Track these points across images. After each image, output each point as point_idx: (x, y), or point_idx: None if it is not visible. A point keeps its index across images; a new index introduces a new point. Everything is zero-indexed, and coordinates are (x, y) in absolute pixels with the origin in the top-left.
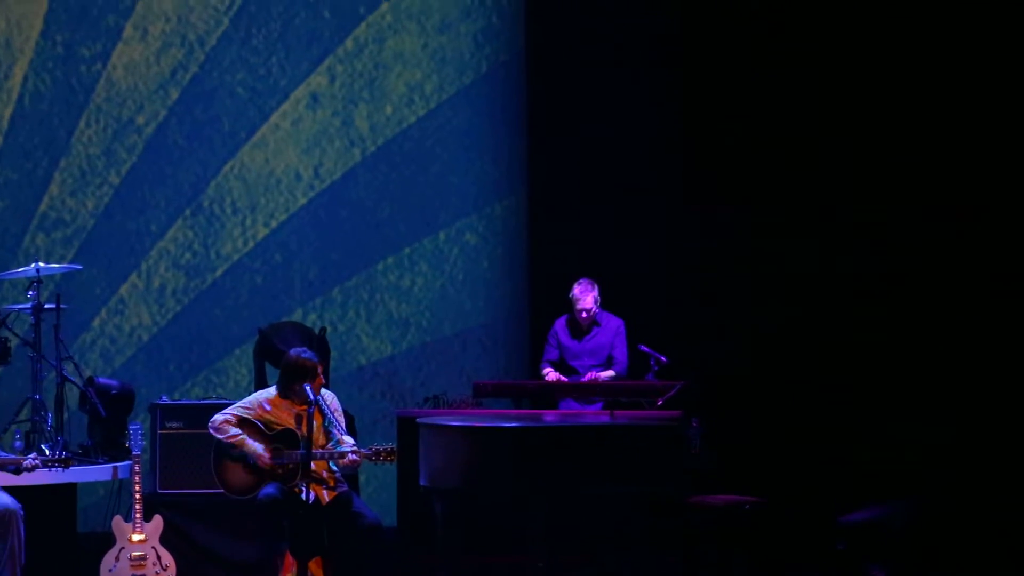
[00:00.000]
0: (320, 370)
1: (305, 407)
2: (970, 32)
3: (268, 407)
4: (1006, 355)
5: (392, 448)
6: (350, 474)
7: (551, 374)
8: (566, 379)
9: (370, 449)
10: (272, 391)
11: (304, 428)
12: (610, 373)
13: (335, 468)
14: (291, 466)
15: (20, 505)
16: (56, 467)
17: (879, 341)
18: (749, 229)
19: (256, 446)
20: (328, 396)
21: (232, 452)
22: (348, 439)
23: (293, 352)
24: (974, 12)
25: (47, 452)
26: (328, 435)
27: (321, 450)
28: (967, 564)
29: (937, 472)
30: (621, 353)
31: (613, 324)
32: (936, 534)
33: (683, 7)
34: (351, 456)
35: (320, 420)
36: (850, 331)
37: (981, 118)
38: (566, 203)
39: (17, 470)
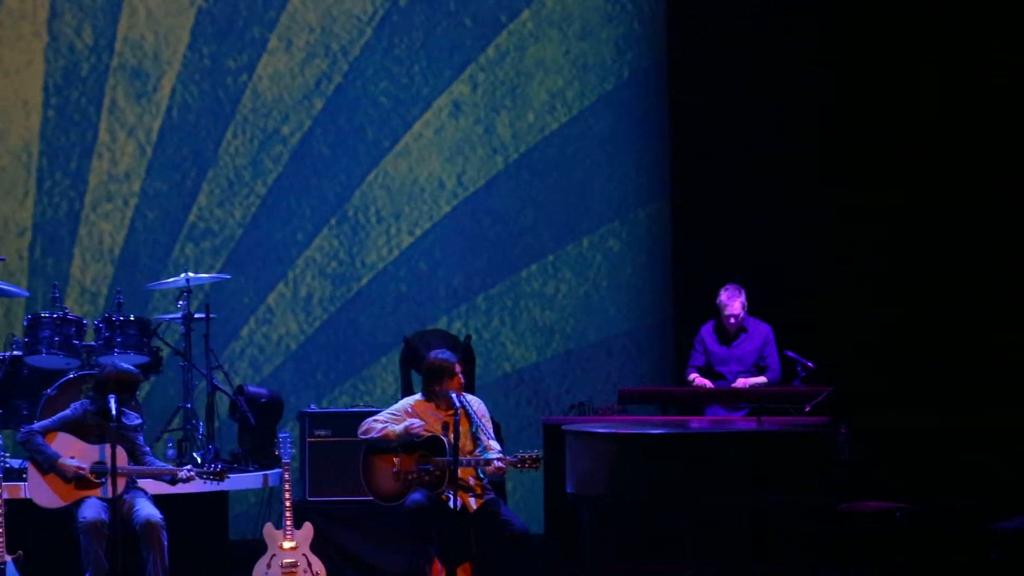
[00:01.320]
0: (458, 369)
1: (451, 413)
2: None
3: (416, 411)
4: None
5: (537, 455)
6: (496, 481)
7: (697, 379)
8: (712, 385)
9: (515, 456)
10: (418, 397)
11: (451, 435)
12: (760, 379)
13: (482, 475)
14: (438, 473)
15: (162, 516)
16: (211, 480)
17: None
18: (900, 233)
19: (403, 424)
20: (475, 402)
21: (388, 445)
22: (495, 444)
23: (431, 354)
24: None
25: (198, 460)
26: (475, 441)
27: (467, 457)
28: None
29: None
30: (774, 360)
31: (762, 331)
32: None
33: (827, 9)
34: (496, 463)
35: (467, 426)
36: (997, 333)
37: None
38: (710, 208)
39: (173, 480)
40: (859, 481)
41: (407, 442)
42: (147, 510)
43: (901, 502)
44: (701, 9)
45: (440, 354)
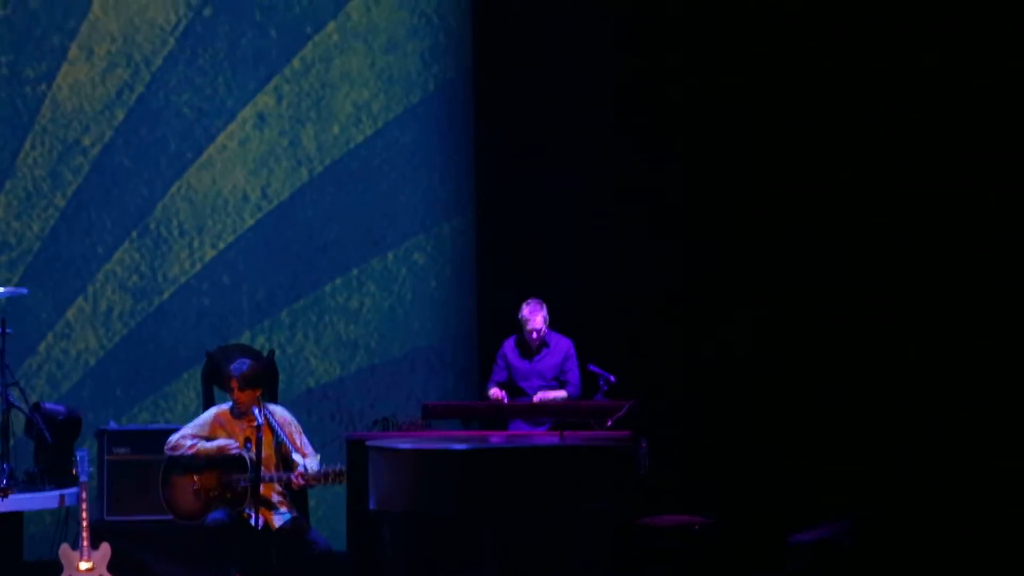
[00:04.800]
0: (233, 384)
1: (254, 426)
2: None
3: (222, 422)
4: (951, 370)
5: (341, 470)
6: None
7: (495, 392)
8: (510, 398)
9: (319, 471)
10: (221, 408)
11: (253, 451)
12: (561, 393)
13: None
14: (240, 490)
15: None
16: None
17: (825, 360)
18: (697, 248)
19: (216, 442)
20: (278, 411)
21: (197, 463)
22: (299, 459)
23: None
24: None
25: None
26: (280, 454)
27: (269, 473)
28: None
29: (884, 490)
30: (574, 375)
31: (563, 345)
32: (884, 552)
33: (630, 22)
34: (296, 480)
35: (270, 438)
36: (795, 350)
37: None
38: (515, 222)
39: None
40: (659, 494)
41: (216, 460)
42: None
43: (701, 515)
44: (506, 22)
45: (231, 364)
